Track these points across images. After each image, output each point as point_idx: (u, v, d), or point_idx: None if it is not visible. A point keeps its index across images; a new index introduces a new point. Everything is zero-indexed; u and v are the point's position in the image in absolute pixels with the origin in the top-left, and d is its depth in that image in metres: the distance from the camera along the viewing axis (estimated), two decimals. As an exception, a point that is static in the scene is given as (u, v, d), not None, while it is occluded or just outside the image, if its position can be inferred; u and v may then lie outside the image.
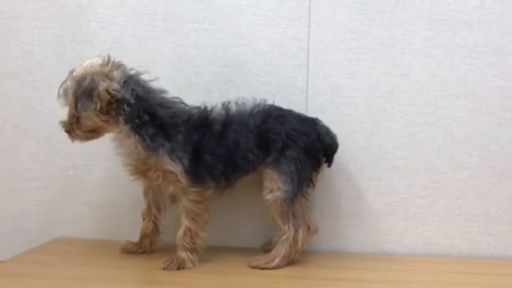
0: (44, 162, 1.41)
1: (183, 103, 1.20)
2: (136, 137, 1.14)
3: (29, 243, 1.34)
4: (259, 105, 1.22)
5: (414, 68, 1.33)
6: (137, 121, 1.12)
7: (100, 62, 1.12)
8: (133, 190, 1.31)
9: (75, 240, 1.39)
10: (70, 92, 1.10)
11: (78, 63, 1.14)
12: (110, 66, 1.11)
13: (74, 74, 1.12)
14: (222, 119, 1.19)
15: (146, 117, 1.13)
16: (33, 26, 1.40)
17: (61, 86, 1.13)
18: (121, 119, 1.12)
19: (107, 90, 1.09)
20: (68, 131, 1.15)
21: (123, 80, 1.11)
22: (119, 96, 1.10)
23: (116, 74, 1.11)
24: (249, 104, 1.22)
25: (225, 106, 1.21)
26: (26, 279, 1.11)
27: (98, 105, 1.09)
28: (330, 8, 1.33)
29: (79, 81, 1.10)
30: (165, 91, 1.19)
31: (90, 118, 1.12)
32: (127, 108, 1.11)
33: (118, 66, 1.13)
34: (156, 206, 1.28)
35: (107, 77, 1.10)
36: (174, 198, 1.26)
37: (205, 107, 1.21)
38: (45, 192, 1.42)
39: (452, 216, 1.34)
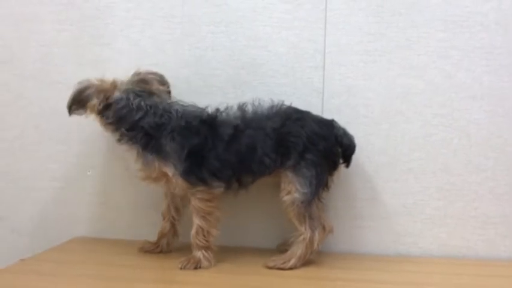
0: (63, 162, 1.43)
1: (188, 105, 1.22)
2: (133, 146, 1.20)
3: (48, 243, 1.36)
4: (276, 106, 1.22)
5: (430, 69, 1.32)
6: (119, 137, 1.21)
7: (121, 79, 1.21)
8: (151, 190, 1.33)
9: (93, 240, 1.41)
10: (70, 95, 1.21)
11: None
12: (113, 86, 1.20)
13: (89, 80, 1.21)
14: (234, 123, 1.19)
15: (125, 133, 1.19)
16: (52, 29, 1.42)
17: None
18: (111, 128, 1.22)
19: (93, 107, 1.19)
20: None
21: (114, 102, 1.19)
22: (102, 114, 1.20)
23: (116, 93, 1.19)
24: (266, 106, 1.22)
25: (241, 108, 1.21)
26: (45, 277, 1.13)
27: (86, 115, 1.22)
28: (346, 10, 1.33)
29: (83, 88, 1.20)
30: (165, 100, 1.22)
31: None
32: (107, 126, 1.21)
33: (120, 87, 1.20)
34: (174, 207, 1.29)
35: (104, 95, 1.18)
36: (186, 199, 1.26)
37: (217, 109, 1.22)
38: (64, 192, 1.44)
39: (468, 218, 1.33)
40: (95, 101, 1.19)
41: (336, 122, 1.25)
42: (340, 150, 1.23)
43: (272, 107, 1.22)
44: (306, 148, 1.18)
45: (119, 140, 1.21)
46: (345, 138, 1.23)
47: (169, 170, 1.17)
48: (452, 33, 1.31)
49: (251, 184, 1.22)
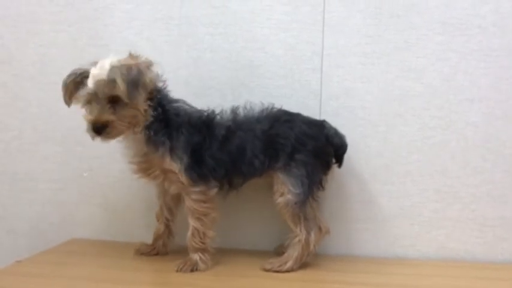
0: (60, 164, 1.43)
1: (188, 105, 1.21)
2: (145, 131, 1.15)
3: (44, 244, 1.36)
4: (266, 109, 1.22)
5: (428, 72, 1.32)
6: (155, 112, 1.15)
7: (128, 57, 1.13)
8: (148, 192, 1.33)
9: (90, 242, 1.41)
10: (121, 80, 1.07)
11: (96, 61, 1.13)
12: (144, 59, 1.13)
13: (115, 64, 1.10)
14: (227, 125, 1.20)
15: (160, 110, 1.15)
16: (50, 30, 1.42)
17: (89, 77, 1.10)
18: (151, 109, 1.14)
19: (151, 80, 1.12)
20: (102, 128, 1.10)
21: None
22: (158, 85, 1.15)
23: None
24: (257, 109, 1.22)
25: (234, 111, 1.22)
26: (41, 279, 1.12)
27: (143, 95, 1.10)
28: (344, 13, 1.33)
29: (128, 70, 1.08)
30: (169, 90, 1.20)
31: (137, 106, 1.11)
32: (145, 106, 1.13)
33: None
34: (168, 208, 1.29)
35: (148, 68, 1.12)
36: (178, 200, 1.27)
37: (212, 111, 1.22)
38: (61, 194, 1.43)
39: (466, 221, 1.33)
40: (150, 75, 1.11)
41: (327, 123, 1.25)
42: (332, 149, 1.23)
43: (263, 110, 1.22)
44: (294, 149, 1.19)
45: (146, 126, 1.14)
46: (335, 138, 1.23)
47: (176, 165, 1.15)
48: (450, 36, 1.31)
49: (241, 186, 1.22)
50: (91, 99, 1.11)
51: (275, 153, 1.19)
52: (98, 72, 1.10)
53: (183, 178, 1.16)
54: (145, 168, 1.19)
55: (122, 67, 1.09)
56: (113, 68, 1.09)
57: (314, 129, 1.22)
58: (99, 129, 1.09)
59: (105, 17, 1.40)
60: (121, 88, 1.07)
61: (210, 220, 1.19)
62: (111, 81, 1.08)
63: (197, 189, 1.17)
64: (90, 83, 1.10)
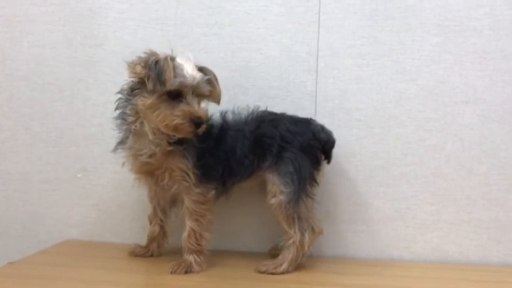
0: (54, 165, 1.42)
1: None
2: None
3: (38, 245, 1.35)
4: (252, 113, 1.23)
5: (423, 73, 1.32)
6: None
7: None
8: (142, 193, 1.32)
9: (84, 243, 1.40)
10: (218, 85, 1.18)
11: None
12: None
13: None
14: (220, 125, 1.21)
15: None
16: (44, 30, 1.41)
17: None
18: None
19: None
20: (201, 123, 1.12)
21: None
22: None
23: None
24: (244, 112, 1.23)
25: (222, 115, 1.23)
26: (35, 280, 1.11)
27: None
28: (339, 14, 1.33)
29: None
30: None
31: None
32: None
33: None
34: (161, 210, 1.28)
35: None
36: (174, 202, 1.28)
37: None
38: (55, 195, 1.43)
39: (461, 223, 1.33)
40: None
41: (313, 120, 1.26)
42: (318, 144, 1.23)
43: (249, 114, 1.23)
44: (281, 147, 1.20)
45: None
46: (322, 134, 1.23)
47: (188, 163, 1.16)
48: (445, 38, 1.31)
49: (231, 187, 1.23)
50: (185, 92, 1.11)
51: (262, 152, 1.20)
52: (193, 70, 1.13)
53: (191, 176, 1.16)
54: (151, 169, 1.18)
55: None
56: (209, 70, 1.16)
57: (300, 126, 1.23)
58: (200, 124, 1.11)
59: (100, 17, 1.39)
60: (218, 92, 1.17)
61: (206, 222, 1.19)
62: (209, 82, 1.15)
63: (198, 190, 1.17)
64: (191, 77, 1.12)
